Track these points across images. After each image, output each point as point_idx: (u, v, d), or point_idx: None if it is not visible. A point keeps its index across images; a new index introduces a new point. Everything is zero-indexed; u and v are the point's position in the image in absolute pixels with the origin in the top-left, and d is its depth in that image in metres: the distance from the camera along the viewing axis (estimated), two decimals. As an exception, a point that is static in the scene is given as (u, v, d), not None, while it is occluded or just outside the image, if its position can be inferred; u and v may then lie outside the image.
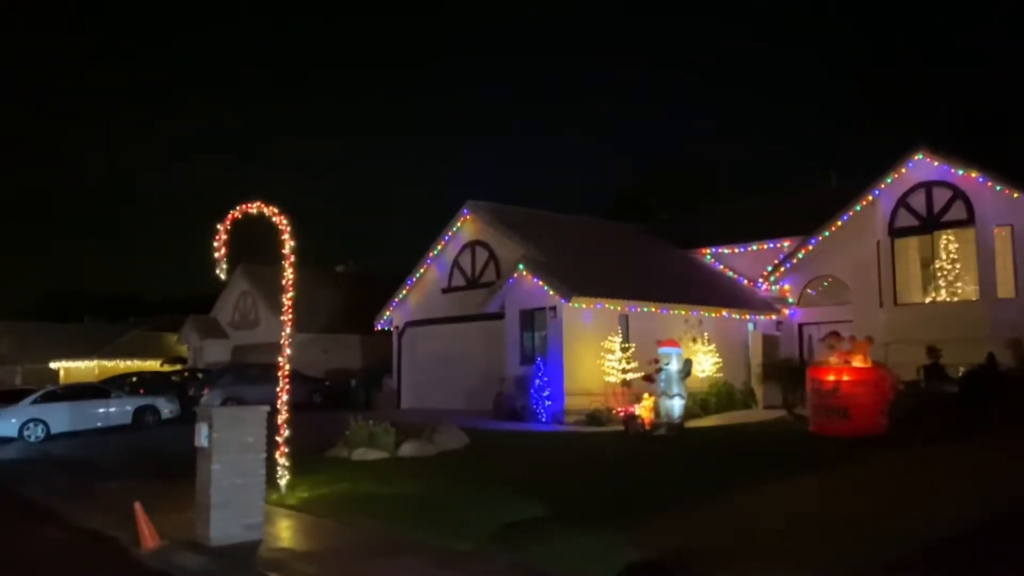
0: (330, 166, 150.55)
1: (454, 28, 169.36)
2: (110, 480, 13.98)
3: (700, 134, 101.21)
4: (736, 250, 26.61)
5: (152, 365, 41.83)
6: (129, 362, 43.20)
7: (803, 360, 22.48)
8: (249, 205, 11.53)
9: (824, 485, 11.11)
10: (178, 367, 38.41)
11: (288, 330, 11.81)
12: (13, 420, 21.67)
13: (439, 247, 26.17)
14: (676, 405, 16.58)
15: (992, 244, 20.65)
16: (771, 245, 25.63)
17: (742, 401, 22.70)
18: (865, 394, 14.49)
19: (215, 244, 11.31)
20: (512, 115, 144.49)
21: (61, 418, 22.28)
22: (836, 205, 23.51)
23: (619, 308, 21.42)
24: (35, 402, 22.38)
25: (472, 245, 25.22)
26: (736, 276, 26.20)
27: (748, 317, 24.31)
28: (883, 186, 22.42)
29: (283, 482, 11.48)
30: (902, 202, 22.14)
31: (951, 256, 22.02)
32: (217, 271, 11.41)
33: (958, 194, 21.16)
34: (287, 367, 11.72)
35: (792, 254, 24.39)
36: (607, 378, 20.60)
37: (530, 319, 21.72)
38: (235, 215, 11.46)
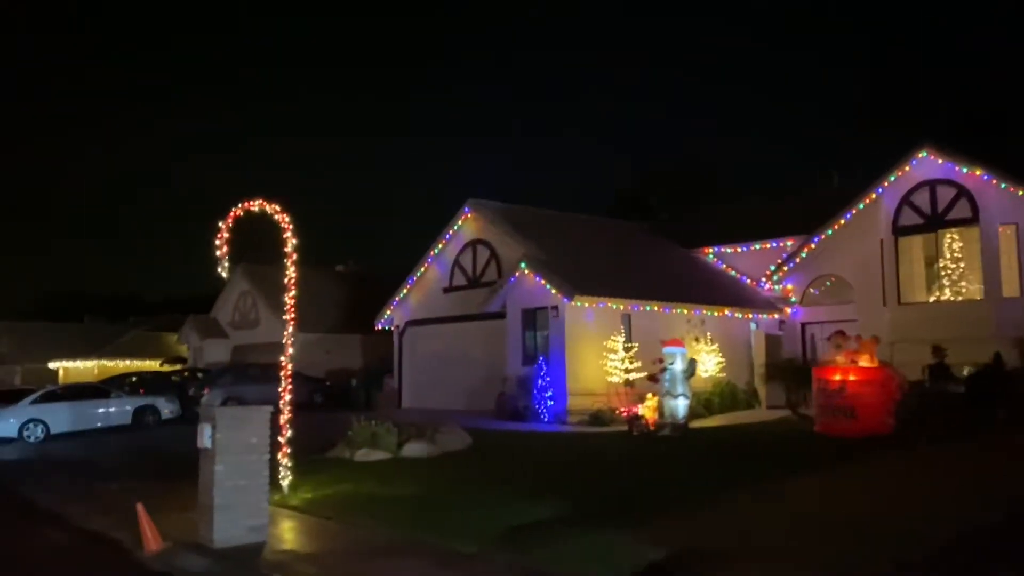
0: (330, 166, 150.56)
1: (454, 28, 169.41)
2: (111, 481, 13.88)
3: (700, 134, 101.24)
4: (738, 249, 26.52)
5: (152, 365, 41.71)
6: (129, 362, 43.08)
7: (806, 360, 22.42)
8: (251, 203, 11.43)
9: (832, 486, 11.02)
10: (178, 367, 38.28)
11: (291, 329, 11.70)
12: (12, 420, 21.55)
13: (440, 246, 26.06)
14: (680, 405, 16.47)
15: (997, 243, 20.55)
16: (774, 244, 25.54)
17: (745, 401, 22.61)
18: (872, 394, 14.40)
19: (217, 243, 11.21)
20: (512, 115, 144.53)
21: (61, 418, 22.17)
22: (838, 204, 23.41)
23: (622, 307, 21.32)
24: (35, 402, 22.26)
25: (473, 244, 25.11)
26: (739, 276, 26.10)
27: (751, 316, 24.20)
28: (887, 184, 22.31)
29: (286, 483, 11.38)
30: (906, 200, 22.04)
31: (955, 255, 21.94)
32: (219, 269, 11.32)
33: (962, 192, 21.07)
34: (290, 366, 11.61)
35: (795, 253, 24.29)
36: (610, 378, 20.50)
37: (532, 318, 21.61)
38: (237, 213, 11.36)
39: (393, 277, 28.76)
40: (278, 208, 11.60)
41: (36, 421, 21.77)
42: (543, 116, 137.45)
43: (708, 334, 22.59)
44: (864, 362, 14.80)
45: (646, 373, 18.78)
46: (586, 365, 20.45)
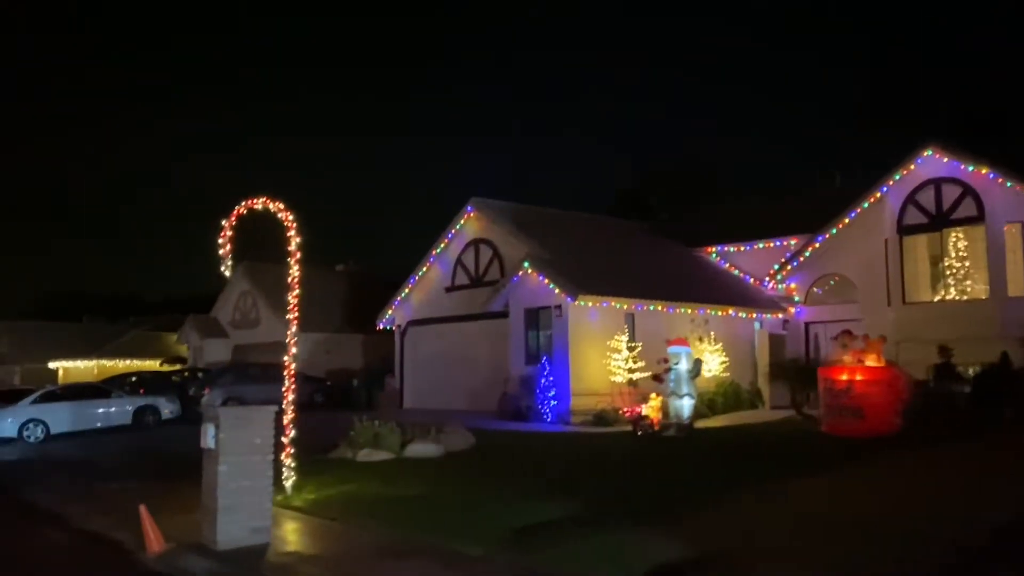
0: (330, 166, 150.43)
1: (454, 28, 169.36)
2: (111, 481, 13.76)
3: (700, 134, 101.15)
4: (741, 248, 26.42)
5: (152, 365, 41.59)
6: (128, 362, 42.96)
7: (810, 359, 22.32)
8: (255, 201, 11.31)
9: (840, 486, 10.91)
10: (178, 367, 38.17)
11: (294, 328, 11.58)
12: (12, 420, 21.44)
13: (442, 245, 25.94)
14: (686, 405, 16.36)
15: (1002, 241, 20.45)
16: (777, 243, 25.44)
17: (749, 401, 22.52)
18: (879, 394, 14.28)
19: (220, 241, 11.09)
20: (512, 115, 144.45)
21: (61, 418, 22.05)
22: (840, 204, 23.32)
23: (625, 306, 21.20)
24: (35, 402, 22.15)
25: (476, 243, 24.99)
26: (742, 275, 25.99)
27: (755, 316, 24.09)
28: (891, 183, 22.21)
29: (289, 483, 11.25)
30: (911, 199, 21.94)
31: (960, 254, 21.83)
32: (222, 268, 11.21)
33: (968, 191, 20.96)
34: (293, 366, 11.49)
35: (798, 252, 24.17)
36: (613, 378, 20.38)
37: (535, 318, 21.48)
38: (240, 211, 11.23)
39: (394, 277, 28.66)
40: (282, 206, 11.48)
41: (36, 421, 21.65)
42: (543, 116, 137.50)
43: (712, 334, 22.48)
44: (871, 362, 14.68)
45: (650, 373, 18.67)
46: (589, 365, 20.34)
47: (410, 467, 13.57)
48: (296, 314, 11.64)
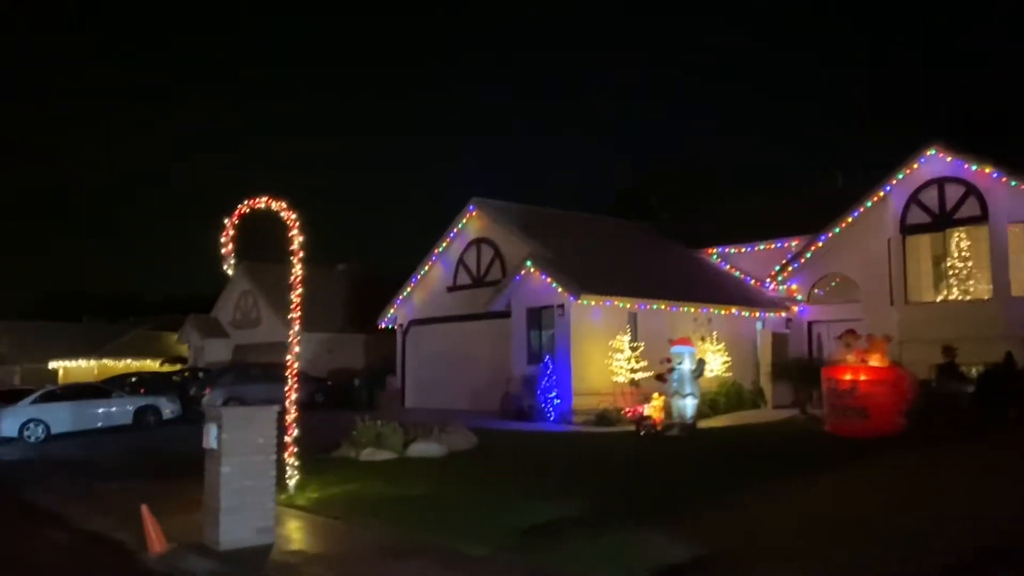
0: (330, 166, 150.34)
1: (454, 28, 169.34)
2: (112, 481, 13.71)
3: (700, 134, 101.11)
4: (743, 249, 26.37)
5: (152, 365, 41.56)
6: (129, 362, 42.92)
7: (812, 359, 22.26)
8: (257, 200, 11.25)
9: (847, 486, 10.85)
10: (178, 367, 38.11)
11: (297, 327, 11.52)
12: (13, 420, 21.38)
13: (444, 244, 25.88)
14: (689, 405, 16.30)
15: (1006, 241, 20.37)
16: (778, 244, 25.38)
17: (751, 401, 22.44)
18: (883, 394, 14.21)
19: (222, 240, 11.03)
20: (512, 115, 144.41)
21: (61, 418, 21.99)
22: (841, 204, 23.26)
23: (628, 306, 21.14)
24: (35, 402, 22.09)
25: (477, 242, 24.93)
26: (743, 275, 25.94)
27: (757, 315, 24.03)
28: (894, 182, 22.14)
29: (292, 483, 11.21)
30: (914, 198, 21.86)
31: (963, 254, 21.76)
32: (225, 267, 11.15)
33: (971, 190, 20.89)
34: (296, 365, 11.44)
35: (800, 253, 24.11)
36: (615, 377, 20.32)
37: (537, 317, 21.43)
38: (243, 210, 11.18)
39: (395, 277, 28.60)
40: (284, 205, 11.42)
41: (36, 421, 21.60)
42: (543, 116, 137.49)
43: (714, 333, 22.41)
44: (875, 361, 14.61)
45: (653, 373, 18.61)
46: (592, 364, 20.28)
47: (413, 467, 13.51)
48: (299, 313, 11.59)
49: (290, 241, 11.63)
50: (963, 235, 21.65)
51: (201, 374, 30.87)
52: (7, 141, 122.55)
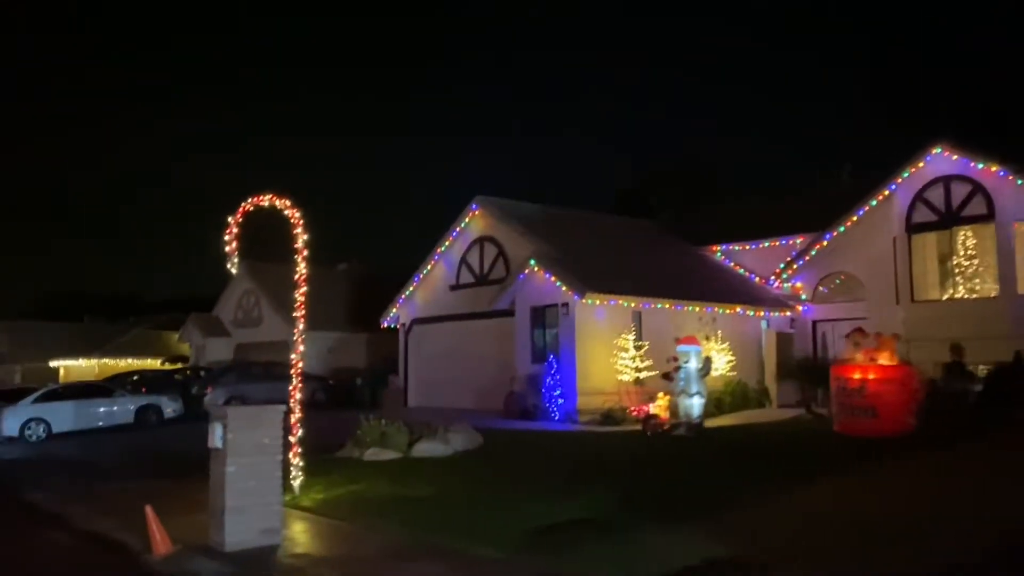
0: (330, 166, 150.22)
1: (454, 28, 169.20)
2: (115, 481, 13.63)
3: (700, 134, 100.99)
4: (747, 247, 26.27)
5: (153, 364, 41.47)
6: (130, 361, 42.83)
7: (816, 358, 22.15)
8: (261, 198, 11.13)
9: (861, 487, 10.71)
10: (179, 366, 38.02)
11: (301, 326, 11.41)
12: (14, 419, 21.29)
13: (447, 243, 25.75)
14: (696, 404, 16.17)
15: (1013, 239, 20.22)
16: (783, 242, 25.27)
17: (756, 400, 22.32)
18: (893, 392, 14.06)
19: (226, 238, 10.91)
20: (512, 115, 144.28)
21: (63, 417, 21.92)
22: (845, 203, 23.11)
23: (633, 305, 21.02)
24: (36, 401, 22.01)
25: (481, 241, 24.79)
26: (747, 274, 25.82)
27: (762, 314, 23.90)
28: (900, 181, 21.99)
29: (297, 483, 11.10)
30: (919, 197, 21.71)
31: (970, 252, 21.62)
32: (229, 265, 11.02)
33: (978, 188, 20.75)
34: (300, 364, 11.32)
35: (805, 250, 23.98)
36: (620, 376, 20.21)
37: (541, 316, 21.30)
38: (247, 208, 11.06)
39: (396, 276, 28.49)
40: (288, 203, 11.30)
41: (38, 420, 21.54)
42: (543, 116, 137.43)
43: (719, 332, 22.29)
44: (884, 360, 14.46)
45: (658, 371, 18.50)
46: (596, 363, 20.16)
47: (418, 467, 13.39)
48: (303, 312, 11.48)
49: (294, 239, 11.52)
50: (969, 233, 21.50)
51: (203, 373, 30.79)
52: (7, 141, 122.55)
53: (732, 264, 26.40)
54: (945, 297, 21.95)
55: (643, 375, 20.18)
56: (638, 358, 20.35)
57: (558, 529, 8.88)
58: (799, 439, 15.27)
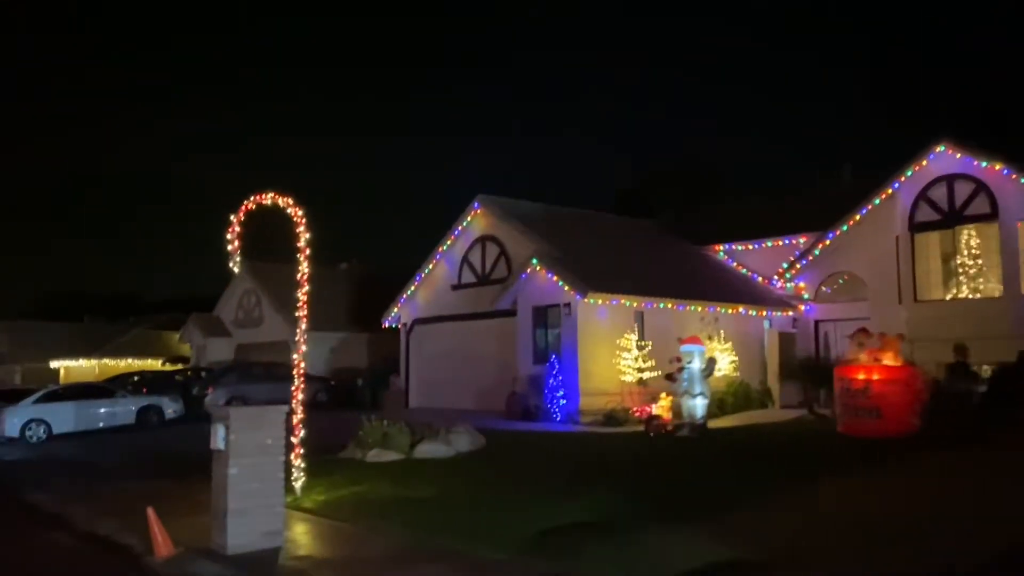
0: (330, 166, 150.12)
1: (454, 28, 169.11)
2: (116, 482, 13.56)
3: (700, 134, 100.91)
4: (750, 246, 26.21)
5: (153, 364, 41.41)
6: (130, 361, 42.78)
7: (819, 358, 22.07)
8: (263, 196, 11.06)
9: (867, 487, 10.64)
10: (179, 366, 37.95)
11: (304, 326, 11.34)
12: (14, 420, 21.22)
13: (448, 242, 25.67)
14: (699, 405, 16.10)
15: (1016, 239, 20.17)
16: (786, 242, 25.22)
17: (759, 400, 22.27)
18: (897, 393, 13.98)
19: (228, 237, 10.84)
20: (512, 115, 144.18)
21: (63, 418, 21.85)
22: (847, 202, 23.07)
23: (635, 304, 20.95)
24: (37, 402, 21.94)
25: (483, 240, 24.72)
26: (749, 273, 25.76)
27: (764, 314, 23.83)
28: (903, 179, 21.94)
29: (298, 484, 11.02)
30: (923, 196, 21.66)
31: (973, 251, 21.56)
32: (231, 264, 10.96)
33: (981, 187, 20.69)
34: (303, 365, 11.26)
35: (808, 250, 23.92)
36: (623, 377, 20.15)
37: (543, 316, 21.23)
38: (249, 206, 10.99)
39: (397, 276, 28.41)
40: (291, 201, 11.22)
41: (38, 421, 21.46)
42: (543, 116, 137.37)
43: (721, 332, 22.22)
44: (888, 361, 14.39)
45: (660, 372, 18.43)
46: (599, 364, 20.09)
47: (420, 468, 13.31)
48: (305, 311, 11.41)
49: (296, 238, 11.43)
50: (973, 232, 21.45)
51: (203, 373, 30.72)
52: (7, 141, 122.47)
53: (734, 264, 26.33)
54: (948, 297, 21.89)
55: (645, 375, 20.11)
56: (640, 358, 20.29)
57: (561, 531, 8.81)
58: (803, 440, 15.20)
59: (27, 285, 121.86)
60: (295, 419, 10.83)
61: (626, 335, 20.46)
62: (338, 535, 9.34)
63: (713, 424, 18.04)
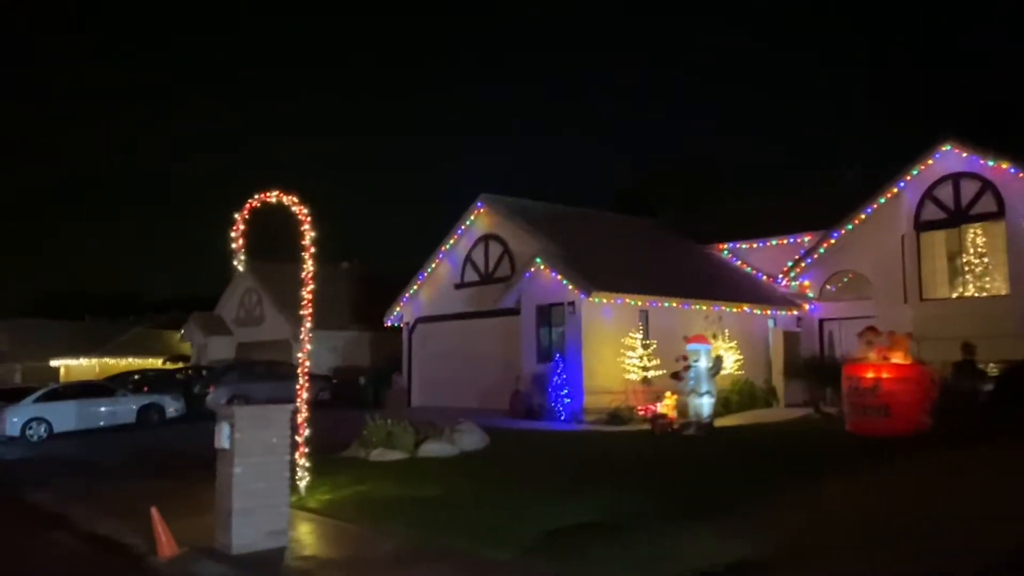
0: (330, 166, 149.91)
1: (454, 28, 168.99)
2: (117, 481, 13.48)
3: (700, 134, 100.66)
4: (754, 245, 26.09)
5: (154, 363, 41.31)
6: (131, 360, 42.68)
7: (823, 356, 21.96)
8: (268, 194, 10.96)
9: (879, 487, 10.52)
10: (180, 365, 37.85)
11: (308, 325, 11.24)
12: (15, 419, 21.14)
13: (451, 241, 25.55)
14: (706, 404, 15.99)
15: (1023, 237, 20.05)
16: (791, 240, 25.09)
17: (763, 399, 22.14)
18: (907, 391, 13.86)
19: (233, 235, 10.74)
20: (512, 115, 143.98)
21: (64, 417, 21.78)
22: (852, 201, 22.95)
23: (639, 303, 20.84)
24: (37, 400, 21.86)
25: (486, 239, 24.60)
26: (754, 272, 25.65)
27: (769, 313, 23.71)
28: (908, 178, 21.82)
29: (303, 484, 10.91)
30: (928, 194, 21.54)
31: (979, 250, 21.44)
32: (235, 262, 10.86)
33: (987, 186, 20.57)
34: (307, 363, 11.16)
35: (813, 249, 23.80)
36: (627, 376, 20.03)
37: (547, 315, 21.12)
38: (254, 204, 10.88)
39: (399, 275, 28.29)
40: (295, 199, 11.12)
41: (39, 420, 21.40)
42: (543, 116, 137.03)
43: (726, 331, 22.11)
44: (897, 359, 14.27)
45: (665, 370, 18.32)
46: (603, 362, 19.98)
47: (425, 467, 13.22)
48: (310, 310, 11.32)
49: (301, 237, 11.34)
50: (979, 231, 21.32)
51: (205, 372, 30.63)
52: (7, 141, 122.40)
53: (738, 263, 26.22)
54: (954, 295, 21.78)
55: (650, 374, 20.00)
56: (645, 357, 20.18)
57: (565, 530, 8.71)
58: (810, 439, 15.09)
59: (28, 284, 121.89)
60: (300, 418, 10.73)
61: (631, 334, 20.35)
62: (343, 535, 9.25)
63: (718, 423, 17.91)
